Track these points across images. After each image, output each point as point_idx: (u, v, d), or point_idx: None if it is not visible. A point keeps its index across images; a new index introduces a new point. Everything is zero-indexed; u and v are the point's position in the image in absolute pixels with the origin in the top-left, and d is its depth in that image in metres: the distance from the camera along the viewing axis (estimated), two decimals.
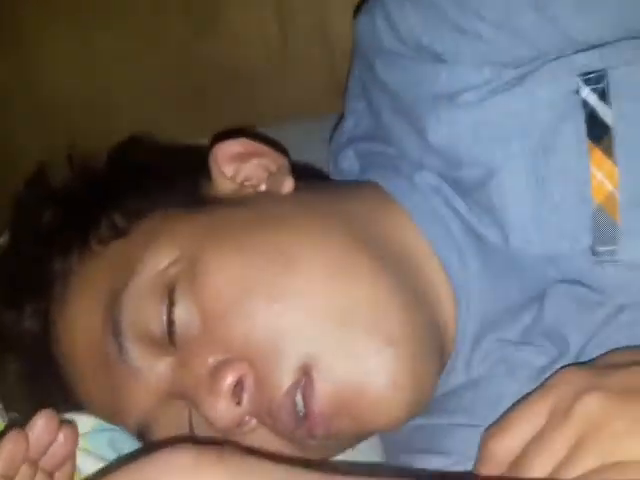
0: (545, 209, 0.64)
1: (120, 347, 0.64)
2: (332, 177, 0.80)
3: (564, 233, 0.64)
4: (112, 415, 0.68)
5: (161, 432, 0.65)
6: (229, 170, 0.71)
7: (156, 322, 0.63)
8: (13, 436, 0.58)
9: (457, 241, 0.68)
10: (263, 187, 0.71)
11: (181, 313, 0.63)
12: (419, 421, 0.67)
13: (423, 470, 0.65)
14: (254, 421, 0.63)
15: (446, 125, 0.66)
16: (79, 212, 0.71)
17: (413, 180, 0.70)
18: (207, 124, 0.89)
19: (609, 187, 0.62)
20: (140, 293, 0.63)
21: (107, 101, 1.04)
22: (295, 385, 0.61)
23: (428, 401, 0.66)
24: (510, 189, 0.64)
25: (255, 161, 0.72)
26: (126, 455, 0.69)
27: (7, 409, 0.71)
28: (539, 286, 0.66)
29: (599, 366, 0.59)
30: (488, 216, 0.67)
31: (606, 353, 0.61)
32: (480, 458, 0.58)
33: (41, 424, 0.59)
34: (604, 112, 0.62)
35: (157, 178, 0.72)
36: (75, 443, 0.62)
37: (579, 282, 0.65)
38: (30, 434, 0.58)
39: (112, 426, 0.70)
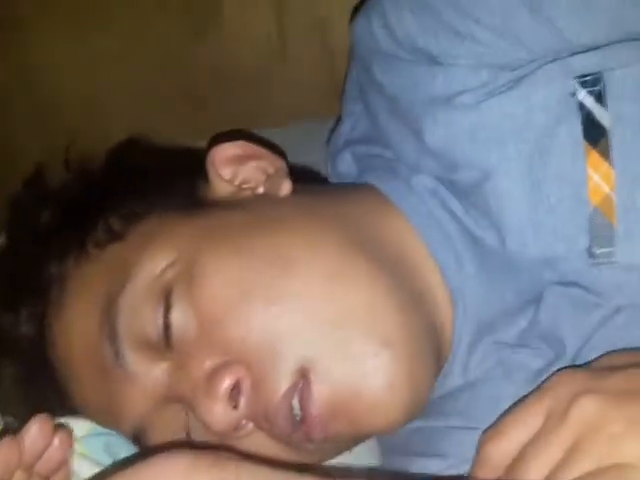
0: (541, 211, 0.64)
1: (116, 351, 0.63)
2: (330, 180, 0.80)
3: (561, 235, 0.64)
4: (108, 419, 0.68)
5: (157, 436, 0.65)
6: (227, 173, 0.71)
7: (152, 326, 0.63)
8: (7, 441, 0.57)
9: (454, 244, 0.68)
10: (261, 190, 0.70)
11: (178, 316, 0.62)
12: (416, 424, 0.67)
13: (419, 474, 0.65)
14: (251, 425, 0.63)
15: (443, 127, 0.66)
16: (76, 215, 0.71)
17: (410, 182, 0.70)
18: (205, 125, 0.89)
19: (606, 189, 0.62)
20: (137, 297, 0.63)
21: (106, 101, 1.05)
22: (292, 388, 0.61)
23: (425, 403, 0.66)
24: (506, 191, 0.64)
25: (253, 164, 0.72)
26: (122, 460, 0.69)
27: (3, 413, 0.71)
28: (536, 288, 0.66)
29: (595, 368, 0.59)
30: (485, 219, 0.67)
31: (602, 355, 0.61)
32: (476, 461, 0.58)
33: (36, 429, 0.59)
34: (601, 114, 0.62)
35: (154, 181, 0.72)
36: (70, 448, 0.62)
37: (576, 284, 0.65)
38: (25, 439, 0.58)
39: (108, 430, 0.70)
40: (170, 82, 1.03)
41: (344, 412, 0.61)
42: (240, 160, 0.71)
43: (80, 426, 0.69)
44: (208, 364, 0.62)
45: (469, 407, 0.67)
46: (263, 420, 0.62)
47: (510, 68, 0.65)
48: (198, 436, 0.64)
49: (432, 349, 0.66)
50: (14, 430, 0.59)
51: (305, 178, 0.74)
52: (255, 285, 0.62)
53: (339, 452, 0.69)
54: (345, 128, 0.79)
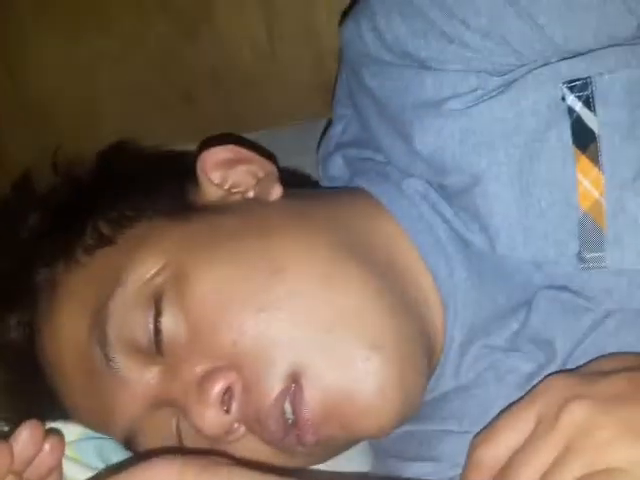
0: (532, 216, 0.64)
1: (106, 356, 0.63)
2: (322, 183, 0.80)
3: (551, 240, 0.64)
4: (99, 424, 0.68)
5: (148, 441, 0.65)
6: (216, 177, 0.71)
7: (143, 331, 0.63)
8: None
9: (444, 247, 0.68)
10: (251, 194, 0.70)
11: (168, 322, 0.62)
12: (409, 427, 0.67)
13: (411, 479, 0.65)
14: (243, 429, 0.63)
15: (432, 132, 0.66)
16: (65, 219, 0.71)
17: (401, 186, 0.70)
18: (195, 127, 0.89)
19: (595, 194, 0.62)
20: (126, 302, 0.63)
21: (94, 103, 1.04)
22: (284, 392, 0.61)
23: (417, 406, 0.66)
24: (496, 196, 0.64)
25: (243, 168, 0.71)
26: (113, 465, 0.69)
27: None
28: (526, 292, 0.66)
29: (586, 373, 0.59)
30: (474, 222, 0.67)
31: (593, 360, 0.61)
32: (467, 466, 0.58)
33: (26, 435, 0.58)
34: (590, 119, 0.62)
35: (144, 185, 0.71)
36: (61, 453, 0.61)
37: (566, 288, 0.65)
38: (14, 445, 0.58)
39: (99, 434, 0.70)
40: (158, 84, 1.03)
41: (336, 416, 0.61)
42: (230, 164, 0.71)
43: (71, 430, 0.70)
44: (199, 369, 0.62)
45: (461, 411, 0.67)
46: (255, 424, 0.62)
47: (499, 73, 0.64)
48: (189, 440, 0.64)
49: (423, 352, 0.65)
50: (5, 435, 0.59)
51: (295, 182, 0.74)
52: (245, 290, 0.62)
53: (331, 456, 0.69)
54: (336, 131, 0.79)
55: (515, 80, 0.64)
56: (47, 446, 0.60)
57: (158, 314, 0.62)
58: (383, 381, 0.62)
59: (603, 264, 0.63)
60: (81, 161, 0.76)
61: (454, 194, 0.67)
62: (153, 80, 1.03)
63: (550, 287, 0.65)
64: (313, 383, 0.61)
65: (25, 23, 1.00)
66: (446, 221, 0.68)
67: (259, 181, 0.71)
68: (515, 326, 0.67)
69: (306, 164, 0.86)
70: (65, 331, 0.66)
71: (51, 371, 0.68)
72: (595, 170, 0.62)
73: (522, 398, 0.58)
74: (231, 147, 0.72)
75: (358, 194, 0.72)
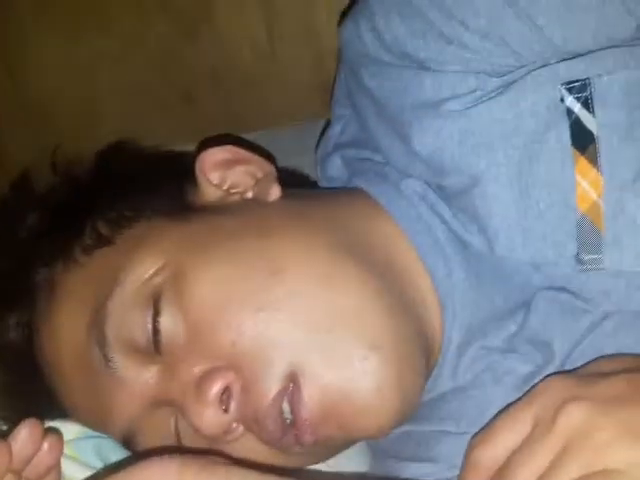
0: (531, 217, 0.64)
1: (105, 356, 0.63)
2: (320, 184, 0.80)
3: (550, 241, 0.64)
4: (97, 423, 0.68)
5: (146, 441, 0.65)
6: (215, 177, 0.71)
7: (141, 331, 0.63)
8: None
9: (443, 248, 0.68)
10: (249, 194, 0.70)
11: (166, 322, 0.62)
12: (406, 427, 0.67)
13: None
14: (241, 428, 0.63)
15: (431, 133, 0.66)
16: (64, 219, 0.71)
17: (399, 186, 0.70)
18: (195, 127, 0.89)
19: (594, 196, 0.62)
20: (125, 302, 0.63)
21: (94, 103, 1.04)
22: (282, 392, 0.61)
23: (415, 407, 0.66)
24: (495, 197, 0.64)
25: (241, 168, 0.71)
26: (112, 464, 0.69)
27: None
28: (525, 293, 0.67)
29: (583, 375, 0.59)
30: (473, 223, 0.67)
31: (591, 361, 0.61)
32: (465, 466, 0.58)
33: (25, 434, 0.59)
34: (588, 121, 0.62)
35: (143, 185, 0.71)
36: (60, 452, 0.62)
37: (564, 289, 0.65)
38: (13, 444, 0.58)
39: (98, 433, 0.70)
40: (158, 84, 1.03)
41: (334, 416, 0.61)
42: (228, 165, 0.71)
43: (70, 429, 0.70)
44: (198, 369, 0.62)
45: (458, 412, 0.67)
46: (253, 424, 0.62)
47: (498, 74, 0.65)
48: (188, 440, 0.64)
49: (421, 352, 0.66)
50: (4, 434, 0.59)
51: (294, 182, 0.74)
52: (244, 290, 0.63)
53: (329, 455, 0.69)
54: (334, 131, 0.79)
55: (514, 81, 0.64)
56: (46, 445, 0.60)
57: (157, 314, 0.62)
58: (381, 381, 0.62)
59: (601, 266, 0.63)
60: (80, 161, 0.76)
61: (453, 195, 0.68)
62: (153, 80, 1.03)
63: (549, 288, 0.66)
64: (311, 383, 0.61)
65: (25, 23, 1.00)
66: (445, 222, 0.68)
67: (258, 181, 0.71)
68: (513, 327, 0.67)
69: (305, 164, 0.87)
70: (64, 331, 0.67)
71: (50, 371, 0.69)
72: (594, 171, 0.62)
73: (520, 399, 0.59)
74: (229, 148, 0.72)
75: (357, 194, 0.72)
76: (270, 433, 0.62)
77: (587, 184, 0.62)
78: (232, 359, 0.61)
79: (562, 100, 0.63)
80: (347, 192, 0.73)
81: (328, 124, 0.81)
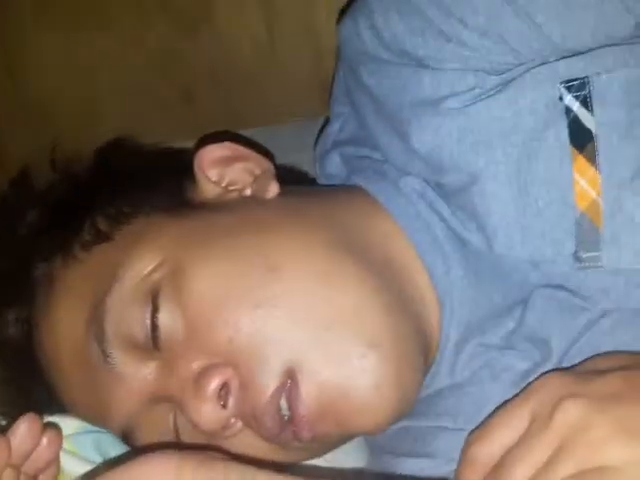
0: (529, 215, 0.64)
1: (104, 352, 0.64)
2: (319, 181, 0.80)
3: (548, 239, 0.64)
4: (96, 419, 0.68)
5: (145, 436, 0.65)
6: (213, 174, 0.71)
7: (140, 327, 0.63)
8: None
9: (441, 246, 0.68)
10: (248, 191, 0.70)
11: (165, 318, 0.63)
12: (403, 423, 0.67)
13: (404, 477, 0.65)
14: (239, 424, 0.63)
15: (430, 131, 0.66)
16: (63, 215, 0.71)
17: (398, 184, 0.70)
18: (195, 125, 0.89)
19: (592, 194, 0.62)
20: (124, 298, 0.63)
21: (94, 103, 1.04)
22: (280, 389, 0.61)
23: (413, 404, 0.66)
24: (493, 195, 0.65)
25: (240, 165, 0.71)
26: (111, 459, 0.69)
27: None
28: (523, 290, 0.67)
29: (581, 372, 0.59)
30: (472, 221, 0.67)
31: (588, 359, 0.61)
32: (462, 462, 0.58)
33: (24, 429, 0.59)
34: (587, 119, 0.62)
35: (141, 181, 0.71)
36: (59, 447, 0.62)
37: (562, 287, 0.65)
38: (12, 439, 0.58)
39: (97, 428, 0.70)
40: (163, 82, 1.03)
41: (332, 412, 0.62)
42: (227, 162, 0.71)
43: (69, 424, 0.70)
44: (196, 365, 0.62)
45: (456, 408, 0.67)
46: (251, 419, 0.62)
47: (497, 72, 0.65)
48: (187, 436, 0.65)
49: (420, 350, 0.66)
50: (3, 429, 0.60)
51: (293, 179, 0.74)
52: (242, 287, 0.63)
53: (327, 451, 0.70)
54: (333, 129, 0.79)
55: (513, 79, 0.64)
56: (45, 440, 0.60)
57: (155, 310, 0.63)
58: (380, 379, 0.62)
59: (599, 264, 0.63)
60: (79, 158, 0.76)
61: (451, 193, 0.68)
62: (153, 79, 1.03)
63: (547, 286, 0.66)
64: (309, 380, 0.61)
65: (25, 23, 1.01)
66: (443, 220, 0.69)
67: (256, 178, 0.71)
68: (511, 325, 0.67)
69: (303, 162, 0.87)
70: (62, 326, 0.67)
71: (49, 366, 0.69)
72: (592, 170, 0.62)
73: (517, 396, 0.59)
74: (228, 145, 0.72)
75: (355, 192, 0.72)
76: (268, 429, 0.62)
77: (585, 182, 0.62)
78: (229, 356, 0.62)
79: (561, 98, 0.63)
80: (346, 190, 0.73)
81: (327, 121, 0.81)
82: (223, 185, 0.71)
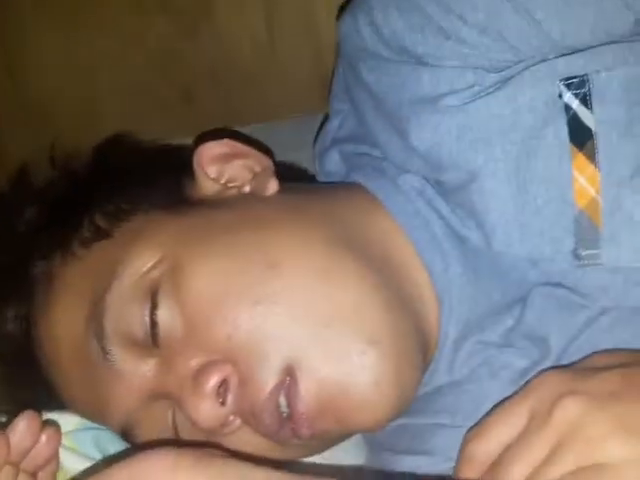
0: (528, 213, 0.64)
1: (103, 349, 0.64)
2: (318, 178, 0.80)
3: (547, 237, 0.64)
4: (96, 416, 0.68)
5: (144, 433, 0.65)
6: (212, 171, 0.71)
7: (139, 324, 0.63)
8: None
9: (440, 243, 0.68)
10: (247, 188, 0.70)
11: (164, 315, 0.63)
12: (402, 420, 0.67)
13: (402, 474, 0.65)
14: (238, 421, 0.63)
15: (429, 129, 0.66)
16: (62, 212, 0.71)
17: (397, 181, 0.70)
18: (194, 124, 0.89)
19: (591, 192, 0.62)
20: (123, 295, 0.63)
21: (95, 103, 1.04)
22: (279, 386, 0.61)
23: (411, 401, 0.66)
24: (492, 192, 0.64)
25: (239, 162, 0.71)
26: (110, 456, 0.69)
27: None
28: (521, 288, 0.67)
29: (579, 369, 0.59)
30: (470, 219, 0.67)
31: (587, 356, 0.61)
32: (460, 460, 0.59)
33: (23, 426, 0.59)
34: (586, 117, 0.62)
35: (140, 178, 0.72)
36: (58, 444, 0.62)
37: (561, 285, 0.65)
38: (11, 436, 0.59)
39: (97, 425, 0.70)
40: (157, 81, 1.03)
41: (331, 409, 0.62)
42: (226, 158, 0.71)
43: (69, 420, 0.70)
44: (195, 362, 0.62)
45: (454, 405, 0.67)
46: (250, 417, 0.62)
47: (496, 70, 0.65)
48: (186, 433, 0.65)
49: (419, 347, 0.66)
50: (2, 426, 0.60)
51: (292, 177, 0.74)
52: (241, 284, 0.63)
53: (326, 448, 0.70)
54: (332, 126, 0.79)
55: (512, 76, 0.64)
56: (44, 437, 0.60)
57: (154, 307, 0.63)
58: (379, 376, 0.62)
59: (598, 261, 0.63)
60: (78, 155, 0.76)
61: (450, 190, 0.68)
62: (153, 79, 1.03)
63: (546, 284, 0.66)
64: (308, 377, 0.61)
65: (25, 23, 1.01)
66: (442, 217, 0.69)
67: (255, 175, 0.71)
68: (510, 322, 0.67)
69: (303, 159, 0.87)
70: (62, 324, 0.67)
71: (48, 363, 0.69)
72: (591, 167, 0.62)
73: (515, 393, 0.59)
74: (227, 141, 0.72)
75: (354, 189, 0.72)
76: (267, 426, 0.62)
77: (584, 180, 0.62)
78: (228, 353, 0.62)
79: (560, 96, 0.63)
80: (345, 187, 0.73)
81: (326, 118, 0.81)
82: (222, 182, 0.71)
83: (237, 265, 0.63)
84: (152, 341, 0.63)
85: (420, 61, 0.66)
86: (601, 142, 0.62)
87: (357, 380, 0.62)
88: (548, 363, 0.64)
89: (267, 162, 0.72)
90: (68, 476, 0.67)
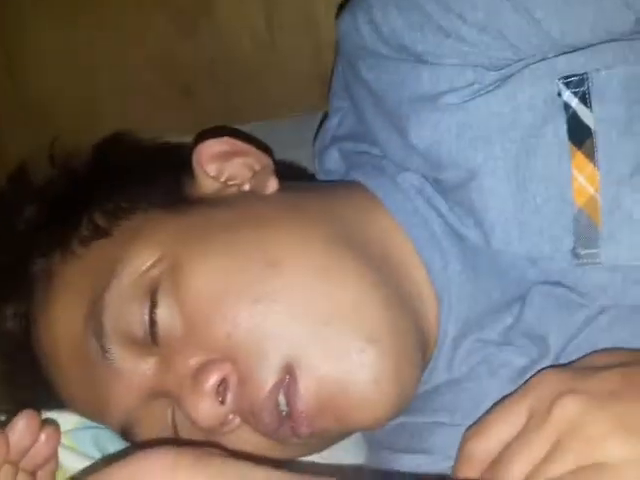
0: (527, 211, 0.64)
1: (102, 347, 0.63)
2: (318, 176, 0.80)
3: (546, 235, 0.64)
4: (95, 414, 0.68)
5: (144, 432, 0.65)
6: (212, 169, 0.71)
7: (138, 322, 0.63)
8: None
9: (439, 241, 0.68)
10: (247, 187, 0.70)
11: (163, 314, 0.63)
12: (401, 419, 0.67)
13: (402, 473, 0.65)
14: (237, 420, 0.63)
15: (428, 127, 0.66)
16: (61, 211, 0.71)
17: (396, 180, 0.70)
18: (194, 122, 0.89)
19: (590, 191, 0.62)
20: (122, 294, 0.63)
21: (93, 103, 1.05)
22: (278, 384, 0.61)
23: (411, 399, 0.66)
24: (491, 191, 0.64)
25: (239, 160, 0.71)
26: (109, 455, 0.69)
27: None
28: (520, 287, 0.67)
29: (578, 368, 0.59)
30: (469, 217, 0.67)
31: (586, 355, 0.61)
32: (459, 458, 0.59)
33: (22, 425, 0.59)
34: (585, 115, 0.62)
35: (140, 177, 0.71)
36: (57, 443, 0.62)
37: (560, 284, 0.65)
38: (10, 435, 0.59)
39: (96, 424, 0.70)
40: (157, 78, 1.03)
41: (330, 408, 0.62)
42: (226, 157, 0.71)
43: (68, 419, 0.70)
44: (194, 361, 0.62)
45: (453, 404, 0.67)
46: (249, 415, 0.62)
47: (496, 68, 0.64)
48: (185, 432, 0.65)
49: (418, 345, 0.66)
50: (1, 425, 0.60)
51: (291, 175, 0.74)
52: (240, 282, 0.63)
53: (325, 446, 0.70)
54: (332, 124, 0.79)
55: (512, 75, 0.64)
56: (43, 436, 0.60)
57: (154, 306, 0.62)
58: (378, 373, 0.62)
59: (597, 260, 0.63)
60: (78, 153, 0.76)
61: (449, 189, 0.68)
62: (153, 79, 1.03)
63: (545, 282, 0.66)
64: (307, 375, 0.61)
65: (25, 23, 1.01)
66: (441, 215, 0.69)
67: (255, 174, 0.71)
68: (509, 320, 0.67)
69: (302, 157, 0.87)
70: (61, 322, 0.67)
71: (47, 362, 0.69)
72: (590, 166, 0.62)
73: (515, 392, 0.59)
74: (227, 139, 0.72)
75: (354, 187, 0.72)
76: (266, 425, 0.62)
77: (583, 179, 0.62)
78: (228, 351, 0.62)
79: (559, 94, 0.63)
80: (344, 185, 0.73)
81: (326, 116, 0.81)
82: (222, 180, 0.71)
83: (236, 263, 0.63)
84: (151, 340, 0.63)
85: (420, 59, 0.66)
86: (600, 141, 0.62)
87: (356, 378, 0.62)
88: (547, 362, 0.64)
89: (267, 160, 0.72)
90: (67, 475, 0.67)
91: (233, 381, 0.62)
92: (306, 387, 0.61)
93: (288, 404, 0.61)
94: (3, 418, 0.67)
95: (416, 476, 0.64)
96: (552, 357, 0.64)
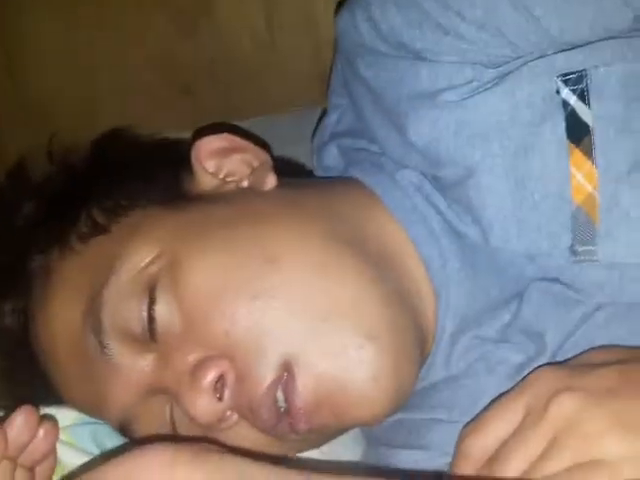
0: (525, 208, 0.64)
1: (101, 343, 0.63)
2: (316, 173, 0.80)
3: (544, 232, 0.64)
4: (93, 411, 0.68)
5: (142, 428, 0.65)
6: (211, 165, 0.71)
7: (137, 319, 0.63)
8: None
9: (438, 239, 0.68)
10: (245, 183, 0.70)
11: (162, 311, 0.63)
12: (399, 415, 0.68)
13: (399, 470, 0.65)
14: (236, 416, 0.63)
15: (427, 124, 0.66)
16: (60, 207, 0.71)
17: (395, 177, 0.70)
18: (194, 120, 0.89)
19: (589, 188, 0.62)
20: (121, 291, 0.63)
21: (93, 102, 1.05)
22: (276, 381, 0.61)
23: (409, 395, 0.66)
24: (489, 188, 0.64)
25: (237, 156, 0.71)
26: (108, 451, 0.69)
27: None
28: (519, 284, 0.67)
29: (575, 365, 0.59)
30: (468, 214, 0.67)
31: (583, 352, 0.61)
32: (456, 455, 0.59)
33: (20, 421, 0.59)
34: (584, 113, 0.62)
35: (138, 173, 0.71)
36: (55, 439, 0.62)
37: (558, 280, 0.65)
38: (9, 431, 0.59)
39: (94, 419, 0.70)
40: (157, 77, 1.03)
41: (328, 404, 0.62)
42: (224, 153, 0.71)
43: (67, 415, 0.70)
44: (192, 357, 0.62)
45: (450, 400, 0.67)
46: (248, 412, 0.62)
47: (495, 65, 0.65)
48: (183, 428, 0.65)
49: (416, 342, 0.66)
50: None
51: (290, 171, 0.74)
52: (239, 279, 0.63)
53: (324, 442, 0.70)
54: (331, 121, 0.79)
55: (510, 72, 0.64)
56: (41, 432, 0.60)
57: (152, 302, 0.63)
58: (377, 371, 0.62)
59: (595, 257, 0.63)
60: (76, 150, 0.76)
61: (448, 186, 0.68)
62: (153, 79, 1.03)
63: (542, 279, 0.66)
64: (305, 372, 0.61)
65: (25, 22, 1.01)
66: (440, 213, 0.69)
67: (254, 170, 0.71)
68: (507, 317, 0.67)
69: (301, 153, 0.87)
70: (59, 318, 0.67)
71: (45, 358, 0.69)
72: (588, 164, 0.62)
73: (512, 389, 0.59)
74: (226, 136, 0.72)
75: (352, 184, 0.72)
76: (264, 421, 0.62)
77: (582, 176, 0.62)
78: (226, 348, 0.62)
79: (558, 92, 0.63)
80: (343, 182, 0.73)
81: (325, 113, 0.81)
82: (220, 176, 0.71)
83: (235, 260, 0.63)
84: (150, 336, 0.63)
85: (418, 56, 0.66)
86: (598, 138, 0.62)
87: (355, 375, 0.62)
88: (544, 359, 0.64)
89: (265, 157, 0.72)
90: (66, 471, 0.67)
91: (231, 378, 0.62)
92: (304, 384, 0.61)
93: (286, 400, 0.61)
94: (1, 414, 0.67)
95: (413, 472, 0.64)
96: (549, 354, 0.64)
